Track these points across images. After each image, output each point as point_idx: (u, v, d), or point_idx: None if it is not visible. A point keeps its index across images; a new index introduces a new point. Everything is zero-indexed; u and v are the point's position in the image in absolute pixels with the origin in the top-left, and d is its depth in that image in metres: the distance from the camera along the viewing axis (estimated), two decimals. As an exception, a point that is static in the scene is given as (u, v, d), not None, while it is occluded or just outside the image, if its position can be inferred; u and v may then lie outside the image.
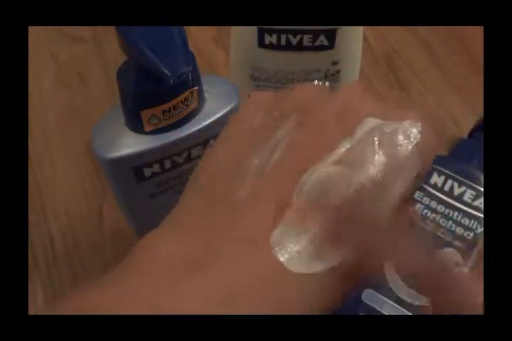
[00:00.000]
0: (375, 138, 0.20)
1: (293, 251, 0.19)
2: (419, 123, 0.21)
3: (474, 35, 0.54)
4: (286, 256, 0.18)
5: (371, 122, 0.21)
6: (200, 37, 0.54)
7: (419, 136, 0.20)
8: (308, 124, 0.21)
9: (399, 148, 0.20)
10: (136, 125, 0.30)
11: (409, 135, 0.20)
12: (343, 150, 0.20)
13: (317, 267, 0.19)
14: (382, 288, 0.36)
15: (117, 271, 0.19)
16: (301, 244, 0.19)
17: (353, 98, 0.22)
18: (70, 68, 0.54)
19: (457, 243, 0.37)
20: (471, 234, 0.37)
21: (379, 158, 0.20)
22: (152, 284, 0.18)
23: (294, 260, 0.18)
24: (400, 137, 0.20)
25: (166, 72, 0.27)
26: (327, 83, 0.26)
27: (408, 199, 0.21)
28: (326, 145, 0.20)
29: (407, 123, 0.21)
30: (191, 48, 0.29)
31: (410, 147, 0.20)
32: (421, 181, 0.21)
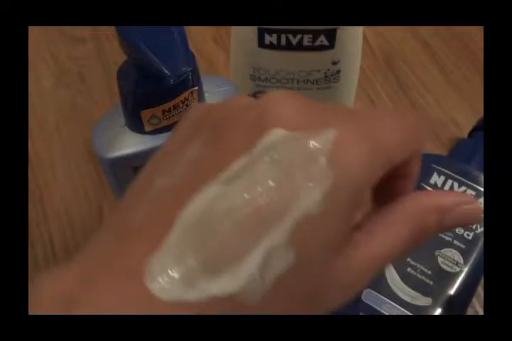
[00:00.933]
0: (270, 156, 0.18)
1: (164, 279, 0.17)
2: (332, 132, 0.18)
3: (474, 35, 0.54)
4: (156, 284, 0.17)
5: (275, 134, 0.18)
6: (200, 37, 0.55)
7: (329, 148, 0.18)
8: (212, 141, 0.19)
9: (291, 168, 0.18)
10: (136, 125, 0.30)
11: (310, 150, 0.18)
12: (236, 168, 0.18)
13: (191, 295, 0.17)
14: (381, 287, 0.36)
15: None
16: (175, 271, 0.17)
17: (269, 107, 0.19)
18: (70, 68, 0.54)
19: (457, 243, 0.37)
20: (471, 234, 0.37)
21: (265, 180, 0.18)
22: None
23: (165, 288, 0.17)
24: (296, 154, 0.18)
25: (166, 72, 0.27)
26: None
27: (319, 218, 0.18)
28: (222, 164, 0.18)
29: (313, 133, 0.18)
30: (191, 48, 0.29)
31: (312, 166, 0.18)
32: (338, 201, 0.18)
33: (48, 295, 0.18)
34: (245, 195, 0.18)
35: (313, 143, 0.18)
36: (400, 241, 0.20)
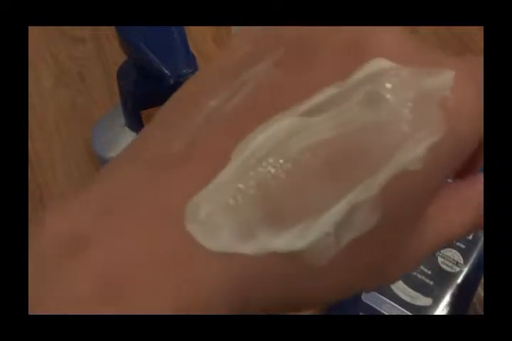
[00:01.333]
0: (371, 90, 0.14)
1: (213, 224, 0.14)
2: (452, 76, 0.15)
3: (474, 35, 0.54)
4: (201, 229, 0.14)
5: (379, 64, 0.15)
6: (200, 37, 0.55)
7: (446, 95, 0.15)
8: (289, 62, 0.16)
9: (401, 108, 0.14)
10: (136, 125, 0.30)
11: (427, 92, 0.15)
12: (322, 98, 0.14)
13: (247, 247, 0.14)
14: (382, 288, 0.36)
15: None
16: (228, 216, 0.14)
17: (369, 34, 0.16)
18: (70, 68, 0.54)
19: (457, 243, 0.37)
20: (471, 234, 0.37)
21: (362, 119, 0.14)
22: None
23: (213, 234, 0.14)
24: (410, 93, 0.14)
25: (166, 72, 0.27)
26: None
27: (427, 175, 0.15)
28: (302, 91, 0.15)
29: (433, 72, 0.15)
30: (191, 48, 0.29)
31: (424, 109, 0.14)
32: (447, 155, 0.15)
33: (52, 231, 0.15)
34: (333, 132, 0.14)
35: (431, 84, 0.15)
36: (468, 225, 0.17)
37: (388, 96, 0.14)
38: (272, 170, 0.14)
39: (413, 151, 0.14)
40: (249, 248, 0.14)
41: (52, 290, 0.14)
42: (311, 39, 0.16)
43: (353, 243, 0.14)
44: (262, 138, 0.14)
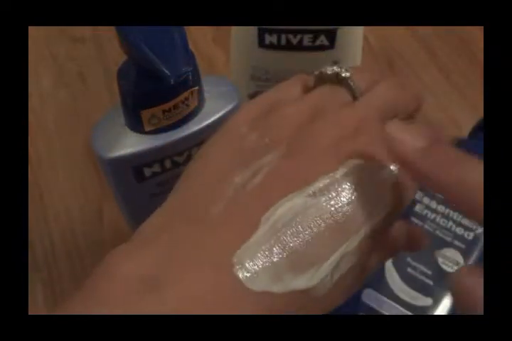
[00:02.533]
0: (351, 180, 0.21)
1: (253, 270, 0.19)
2: (394, 168, 0.22)
3: (474, 35, 0.54)
4: (245, 274, 0.19)
5: (355, 161, 0.22)
6: (200, 37, 0.54)
7: (392, 182, 0.22)
8: (293, 156, 0.22)
9: (372, 188, 0.22)
10: (136, 125, 0.30)
11: (384, 177, 0.22)
12: (320, 185, 0.21)
13: (276, 287, 0.19)
14: (382, 288, 0.36)
15: (80, 293, 0.19)
16: (263, 264, 0.19)
17: (339, 137, 0.23)
18: (70, 68, 0.54)
19: (457, 243, 0.37)
20: (471, 234, 0.37)
21: (345, 200, 0.21)
22: (103, 308, 0.18)
23: (253, 278, 0.19)
24: (376, 178, 0.22)
25: (166, 71, 0.27)
26: (339, 70, 0.26)
27: (380, 232, 0.22)
28: (305, 177, 0.21)
29: (389, 166, 0.22)
30: (191, 48, 0.29)
31: (382, 189, 0.22)
32: (393, 219, 0.23)
33: (131, 277, 0.18)
34: (331, 208, 0.21)
35: (384, 175, 0.22)
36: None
37: (359, 183, 0.22)
38: (293, 233, 0.20)
39: (378, 218, 0.22)
40: (277, 287, 0.19)
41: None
42: (307, 136, 0.22)
43: (339, 277, 0.21)
44: (282, 209, 0.20)
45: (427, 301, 0.35)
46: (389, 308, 0.35)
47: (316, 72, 0.26)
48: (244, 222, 0.20)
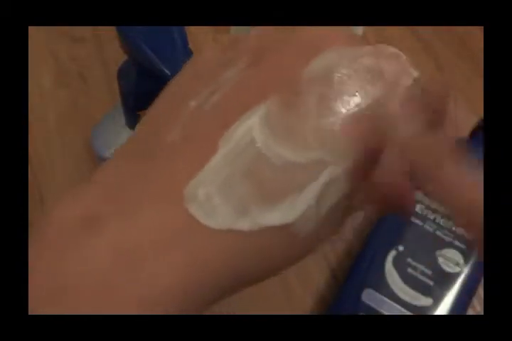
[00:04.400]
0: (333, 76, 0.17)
1: (209, 203, 0.16)
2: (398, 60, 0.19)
3: (474, 35, 0.54)
4: (199, 208, 0.16)
5: (331, 54, 0.18)
6: (200, 37, 0.54)
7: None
8: (261, 64, 0.18)
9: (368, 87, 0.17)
10: (136, 125, 0.30)
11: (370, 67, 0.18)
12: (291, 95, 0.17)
13: (241, 224, 0.16)
14: (382, 288, 0.36)
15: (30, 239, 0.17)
16: (222, 196, 0.16)
17: (318, 36, 0.19)
18: (70, 68, 0.54)
19: (457, 243, 0.37)
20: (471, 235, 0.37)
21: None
22: (41, 252, 0.16)
23: (210, 213, 0.16)
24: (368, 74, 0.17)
25: (166, 71, 0.27)
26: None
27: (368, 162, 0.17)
28: (268, 88, 0.17)
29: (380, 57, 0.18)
30: (191, 48, 0.29)
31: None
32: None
33: (69, 213, 0.16)
34: (307, 115, 0.16)
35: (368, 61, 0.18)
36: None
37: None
38: (256, 155, 0.16)
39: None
40: (244, 224, 0.16)
41: (73, 263, 0.15)
42: (271, 46, 0.19)
43: (329, 210, 0.17)
44: (243, 129, 0.16)
45: (427, 301, 0.35)
46: (389, 308, 0.35)
47: None
48: (199, 147, 0.17)
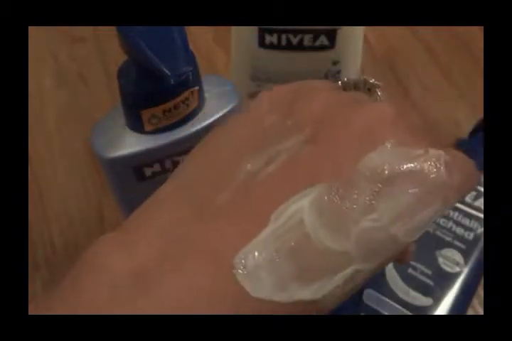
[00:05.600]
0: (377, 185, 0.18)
1: (255, 275, 0.17)
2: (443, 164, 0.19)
3: (474, 35, 0.54)
4: (246, 278, 0.17)
5: (386, 154, 0.19)
6: (200, 37, 0.54)
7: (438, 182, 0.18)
8: (319, 142, 0.19)
9: (404, 195, 0.18)
10: (136, 125, 0.30)
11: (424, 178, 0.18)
12: (349, 180, 0.18)
13: (279, 296, 0.17)
14: (382, 288, 0.36)
15: (62, 287, 0.17)
16: (267, 270, 0.17)
17: (377, 122, 0.19)
18: (70, 68, 0.54)
19: (457, 243, 0.37)
20: (471, 234, 0.37)
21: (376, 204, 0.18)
22: (89, 307, 0.17)
23: (255, 284, 0.17)
24: (407, 182, 0.18)
25: (167, 71, 0.27)
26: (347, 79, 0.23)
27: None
28: (331, 169, 0.18)
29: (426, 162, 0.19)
30: (191, 48, 0.29)
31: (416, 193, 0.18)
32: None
33: (120, 271, 0.17)
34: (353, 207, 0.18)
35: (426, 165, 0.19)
36: None
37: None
38: (303, 238, 0.17)
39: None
40: (281, 298, 0.17)
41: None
42: (331, 122, 0.19)
43: (351, 289, 0.18)
44: (296, 207, 0.18)
45: (427, 301, 0.35)
46: (389, 308, 0.35)
47: (345, 79, 0.25)
48: (251, 218, 0.18)
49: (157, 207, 0.19)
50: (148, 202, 0.20)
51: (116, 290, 0.17)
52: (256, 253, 0.17)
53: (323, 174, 0.18)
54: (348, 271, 0.18)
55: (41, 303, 0.17)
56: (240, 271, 0.17)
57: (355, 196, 0.18)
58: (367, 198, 0.18)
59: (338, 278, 0.18)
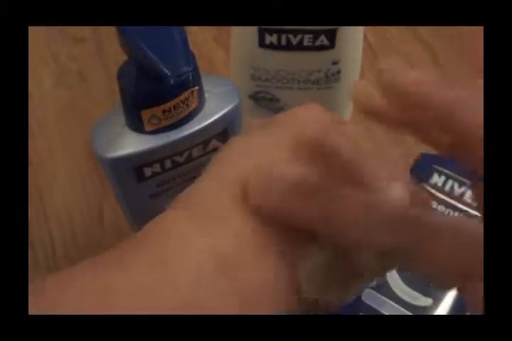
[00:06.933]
0: None
1: None
2: None
3: (475, 35, 0.54)
4: None
5: None
6: (200, 37, 0.54)
7: None
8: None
9: None
10: (136, 125, 0.30)
11: None
12: None
13: None
14: (382, 288, 0.36)
15: (137, 252, 0.19)
16: None
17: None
18: (70, 68, 0.54)
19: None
20: (471, 234, 0.37)
21: None
22: (176, 280, 0.18)
23: None
24: None
25: (167, 71, 0.27)
26: None
27: None
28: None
29: None
30: (191, 48, 0.29)
31: None
32: None
33: (203, 254, 0.18)
34: None
35: None
36: None
37: None
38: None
39: None
40: None
41: None
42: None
43: None
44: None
45: (427, 301, 0.35)
46: (389, 308, 0.35)
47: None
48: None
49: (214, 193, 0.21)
50: (201, 183, 0.22)
51: (203, 270, 0.18)
52: None
53: None
54: None
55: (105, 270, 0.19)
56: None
57: None
58: None
59: None
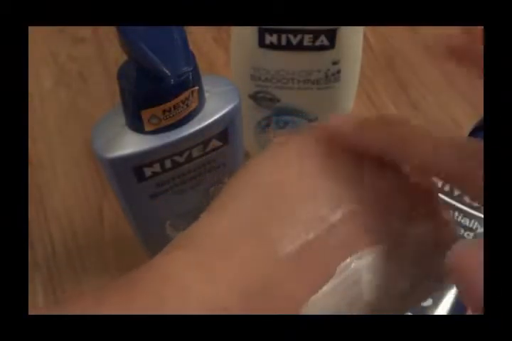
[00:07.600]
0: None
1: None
2: None
3: (475, 34, 0.54)
4: None
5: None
6: (200, 37, 0.55)
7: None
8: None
9: None
10: (136, 125, 0.30)
11: None
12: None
13: None
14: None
15: (133, 290, 0.18)
16: None
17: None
18: (70, 68, 0.54)
19: (457, 243, 0.37)
20: (471, 234, 0.37)
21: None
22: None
23: None
24: None
25: (167, 71, 0.27)
26: None
27: None
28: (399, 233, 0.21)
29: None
30: (191, 48, 0.29)
31: None
32: None
33: (204, 303, 0.18)
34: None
35: None
36: None
37: None
38: (359, 292, 0.20)
39: None
40: None
41: None
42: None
43: None
44: (361, 263, 0.19)
45: (427, 301, 0.35)
46: (389, 308, 0.35)
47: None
48: (316, 271, 0.19)
49: (222, 234, 0.20)
50: (211, 224, 0.20)
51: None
52: (321, 304, 0.19)
53: (376, 238, 0.20)
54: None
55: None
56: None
57: (404, 256, 0.21)
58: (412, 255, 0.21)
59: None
